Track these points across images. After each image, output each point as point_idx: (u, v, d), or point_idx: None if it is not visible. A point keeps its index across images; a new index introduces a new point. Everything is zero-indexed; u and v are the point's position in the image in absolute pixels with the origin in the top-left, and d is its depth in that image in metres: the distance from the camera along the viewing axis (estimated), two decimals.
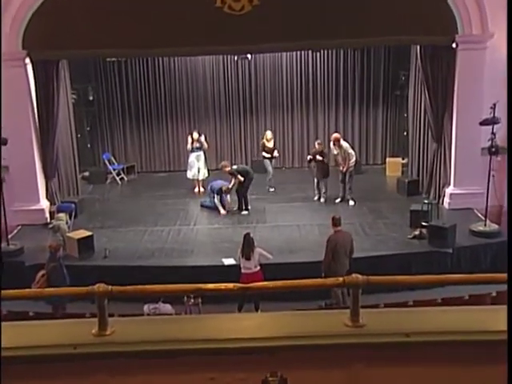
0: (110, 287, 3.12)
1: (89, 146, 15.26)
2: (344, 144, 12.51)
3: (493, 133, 10.08)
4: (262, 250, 9.09)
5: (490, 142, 10.19)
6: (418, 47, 11.85)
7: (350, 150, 12.48)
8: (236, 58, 14.37)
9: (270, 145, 13.60)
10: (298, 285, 3.36)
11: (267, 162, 13.59)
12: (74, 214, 11.77)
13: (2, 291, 3.21)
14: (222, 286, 3.23)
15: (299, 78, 15.07)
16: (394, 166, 14.51)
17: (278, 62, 15.02)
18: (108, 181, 14.84)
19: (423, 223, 10.73)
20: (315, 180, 12.77)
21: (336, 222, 8.90)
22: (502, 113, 9.96)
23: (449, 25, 10.93)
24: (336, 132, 13.68)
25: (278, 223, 11.73)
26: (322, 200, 12.70)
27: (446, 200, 12.07)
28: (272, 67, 15.08)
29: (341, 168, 12.50)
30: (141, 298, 8.03)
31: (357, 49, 14.43)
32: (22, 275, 9.26)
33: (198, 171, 13.61)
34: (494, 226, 10.68)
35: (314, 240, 10.72)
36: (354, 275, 3.13)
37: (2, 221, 10.41)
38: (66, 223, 11.15)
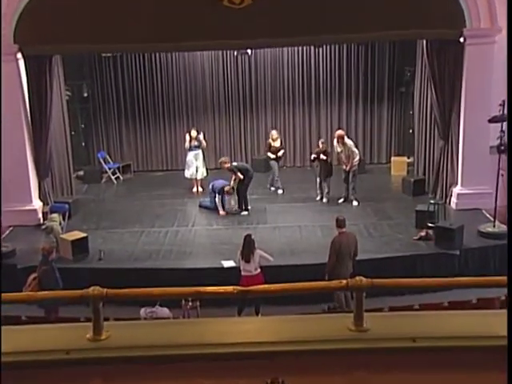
0: (105, 290, 3.11)
1: (83, 144, 15.26)
2: (348, 142, 12.51)
3: (502, 130, 10.08)
4: (262, 252, 9.09)
5: (498, 140, 10.18)
6: (424, 42, 11.84)
7: (354, 149, 12.48)
8: (236, 53, 14.36)
9: (277, 144, 13.56)
10: (300, 288, 3.36)
11: (273, 162, 13.56)
12: (67, 214, 11.77)
13: None
14: (221, 289, 3.23)
15: (301, 74, 15.07)
16: (399, 165, 14.51)
17: (279, 58, 15.02)
18: (103, 180, 14.84)
19: (429, 224, 10.73)
20: (318, 179, 12.77)
21: (340, 224, 8.89)
22: None
23: (456, 18, 10.92)
24: (339, 129, 13.68)
25: (279, 224, 11.72)
26: (325, 200, 12.70)
27: (453, 200, 12.07)
28: (273, 63, 15.08)
29: (344, 167, 12.49)
30: (137, 301, 8.01)
31: (360, 44, 14.41)
32: (14, 278, 9.25)
33: (197, 170, 13.61)
34: (503, 227, 10.65)
35: (316, 241, 10.73)
36: (357, 278, 3.13)
37: None
38: (60, 224, 11.15)
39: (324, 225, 11.25)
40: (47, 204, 12.11)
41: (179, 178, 14.26)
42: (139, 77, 15.04)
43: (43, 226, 11.24)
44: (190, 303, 8.39)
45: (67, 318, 7.52)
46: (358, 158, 12.49)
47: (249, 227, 11.40)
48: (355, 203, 12.51)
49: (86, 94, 14.90)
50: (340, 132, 12.77)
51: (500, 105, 9.86)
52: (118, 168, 15.01)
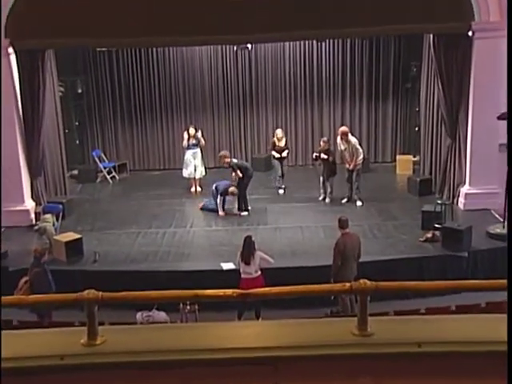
0: (100, 293, 3.11)
1: (77, 142, 15.27)
2: (352, 139, 12.51)
3: None
4: (262, 254, 9.10)
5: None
6: (431, 36, 11.84)
7: (358, 147, 12.48)
8: (235, 48, 14.37)
9: (281, 144, 13.54)
10: (302, 291, 3.35)
11: (275, 162, 13.56)
12: (61, 215, 11.78)
13: None
14: (221, 292, 3.23)
15: (303, 69, 15.08)
16: (404, 164, 14.52)
17: (281, 53, 15.03)
18: (98, 180, 14.86)
19: (436, 225, 10.73)
20: (321, 178, 12.78)
21: (343, 224, 8.90)
22: None
23: (464, 11, 10.92)
24: (343, 126, 13.67)
25: (280, 225, 11.74)
26: (328, 200, 12.70)
27: (461, 200, 12.07)
28: (274, 58, 15.09)
29: (347, 166, 12.50)
30: (133, 305, 8.04)
31: (365, 38, 14.43)
32: (5, 281, 9.25)
33: (195, 169, 13.62)
34: None
35: (318, 243, 10.74)
36: (361, 281, 3.13)
37: None
38: (53, 225, 11.15)
39: (327, 225, 11.26)
40: (40, 204, 12.11)
41: (177, 177, 14.27)
42: (135, 72, 15.04)
43: (36, 227, 11.25)
44: (188, 307, 8.40)
45: (61, 323, 7.53)
46: (362, 156, 12.49)
47: (249, 228, 11.41)
48: (359, 203, 12.51)
49: (80, 90, 14.90)
50: (344, 128, 12.77)
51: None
52: (114, 167, 15.02)
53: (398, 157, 14.96)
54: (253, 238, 9.14)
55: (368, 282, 3.11)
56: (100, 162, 14.98)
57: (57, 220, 11.53)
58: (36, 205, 12.13)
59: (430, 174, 13.25)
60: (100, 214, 12.67)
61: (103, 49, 14.28)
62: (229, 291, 3.21)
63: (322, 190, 12.83)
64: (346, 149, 12.46)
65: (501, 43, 10.98)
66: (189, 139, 13.51)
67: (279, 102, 15.34)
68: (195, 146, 13.54)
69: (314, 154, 12.87)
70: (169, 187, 14.17)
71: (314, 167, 13.49)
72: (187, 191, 13.87)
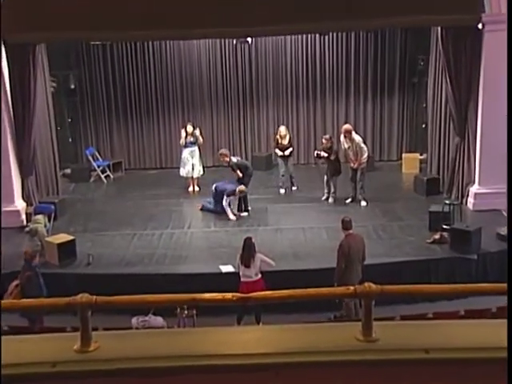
0: (93, 297, 3.11)
1: (70, 139, 15.28)
2: (356, 137, 12.52)
3: None
4: (263, 256, 9.10)
5: None
6: (439, 28, 11.84)
7: (363, 145, 12.49)
8: (235, 41, 14.38)
9: (285, 142, 13.51)
10: (304, 295, 3.35)
11: (279, 160, 13.55)
12: (53, 216, 11.78)
13: None
14: (219, 295, 3.23)
15: (305, 64, 15.09)
16: (411, 163, 14.53)
17: (282, 47, 15.04)
18: (92, 179, 14.87)
19: (444, 226, 10.74)
20: (325, 177, 12.78)
21: (347, 225, 8.90)
22: None
23: (474, 2, 10.92)
24: (347, 123, 13.68)
25: (281, 226, 11.74)
26: (331, 200, 12.71)
27: (470, 200, 12.08)
28: (275, 52, 15.10)
29: (352, 164, 12.51)
30: (128, 309, 8.03)
31: (370, 31, 14.43)
32: None
33: (193, 168, 13.63)
34: None
35: (321, 245, 10.75)
36: (366, 284, 3.13)
37: None
38: (45, 226, 11.16)
39: (330, 226, 11.26)
40: (31, 205, 12.12)
41: (174, 176, 14.28)
42: (131, 67, 15.05)
43: (27, 229, 11.25)
44: (186, 311, 8.39)
45: (52, 328, 7.53)
46: (366, 154, 12.49)
47: (249, 229, 11.41)
48: (363, 203, 12.52)
49: (72, 86, 14.91)
50: (347, 126, 12.78)
51: None
52: (108, 166, 15.03)
53: (404, 155, 14.96)
54: (253, 240, 9.15)
55: (373, 286, 3.11)
56: (94, 160, 14.98)
57: (49, 221, 11.53)
58: (27, 205, 12.13)
59: (438, 172, 13.25)
60: (94, 214, 12.67)
61: (97, 42, 14.25)
62: (228, 295, 3.21)
63: (325, 190, 12.84)
64: (349, 147, 12.47)
65: None
66: (186, 137, 13.52)
67: (280, 98, 15.35)
68: (193, 144, 13.55)
69: (316, 152, 12.89)
70: (165, 187, 14.17)
71: (317, 166, 13.49)
72: (185, 191, 13.88)
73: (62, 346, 3.12)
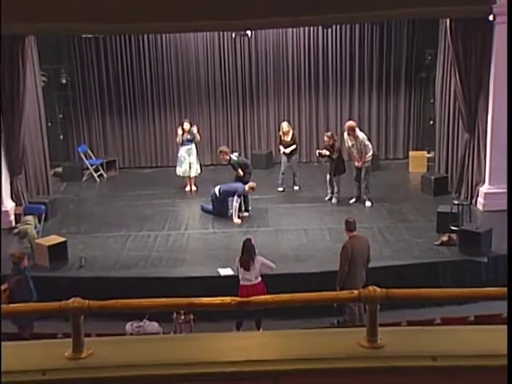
0: (86, 302, 3.11)
1: (61, 137, 15.29)
2: (360, 134, 12.52)
3: None
4: (263, 259, 9.11)
5: None
6: (448, 21, 11.83)
7: (367, 142, 12.49)
8: (234, 34, 14.37)
9: (287, 139, 13.47)
10: (306, 299, 3.36)
11: (282, 157, 13.53)
12: (44, 216, 11.79)
13: None
14: (218, 300, 3.23)
15: (307, 58, 15.09)
16: (418, 161, 14.53)
17: (283, 40, 15.04)
18: (84, 178, 14.87)
19: (453, 227, 10.75)
20: (328, 176, 12.78)
21: (350, 226, 8.90)
22: None
23: None
24: (350, 120, 13.68)
25: (282, 227, 11.75)
26: (334, 200, 12.71)
27: (480, 200, 12.08)
28: (276, 46, 15.10)
29: (356, 163, 12.51)
30: (123, 314, 8.04)
31: (375, 23, 14.43)
32: None
33: (190, 167, 13.63)
34: None
35: (324, 247, 10.76)
36: (370, 288, 3.13)
37: None
38: (35, 228, 11.16)
39: (333, 228, 11.28)
40: (20, 205, 12.11)
41: (170, 175, 14.29)
42: (125, 61, 15.05)
43: (16, 230, 11.25)
44: (183, 316, 8.41)
45: (43, 334, 7.54)
46: (371, 152, 12.50)
47: (248, 230, 11.43)
48: (368, 204, 12.52)
49: (64, 80, 14.90)
50: (350, 123, 12.78)
51: None
52: (102, 164, 15.03)
53: (410, 153, 14.97)
54: (253, 242, 9.15)
55: (378, 290, 3.11)
56: (86, 158, 14.98)
57: (39, 222, 11.54)
58: (16, 205, 12.12)
59: (446, 171, 13.25)
60: (86, 215, 12.67)
61: (89, 35, 14.25)
62: (227, 299, 3.21)
63: (328, 190, 12.83)
64: (353, 145, 12.46)
65: None
66: (183, 134, 13.52)
67: (281, 93, 15.35)
68: (190, 141, 13.55)
69: (317, 151, 12.89)
70: (161, 186, 14.18)
71: (320, 164, 13.49)
72: (181, 191, 13.88)
73: (53, 352, 3.12)
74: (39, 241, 10.64)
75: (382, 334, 3.09)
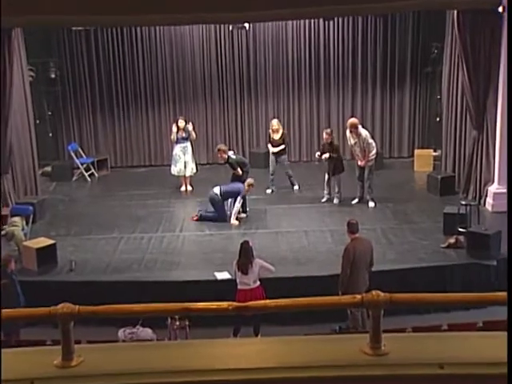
0: (76, 307, 3.11)
1: (50, 134, 15.28)
2: (363, 132, 12.52)
3: None
4: (262, 262, 9.11)
5: None
6: (455, 12, 11.84)
7: (371, 140, 12.50)
8: (231, 27, 14.37)
9: (276, 137, 13.46)
10: (306, 304, 3.36)
11: (271, 157, 13.51)
12: (32, 217, 11.77)
13: None
14: (214, 305, 3.23)
15: (308, 52, 15.10)
16: (423, 160, 14.54)
17: (283, 33, 15.05)
18: (74, 178, 14.87)
19: (460, 229, 10.75)
20: (326, 176, 12.77)
21: (353, 228, 8.91)
22: None
23: None
24: (353, 117, 13.69)
25: (281, 229, 11.75)
26: (336, 201, 12.72)
27: (489, 201, 12.09)
28: (275, 39, 15.11)
29: (358, 162, 12.52)
30: (115, 320, 8.04)
31: (378, 15, 14.44)
32: None
33: (185, 166, 13.64)
34: None
35: (325, 249, 10.76)
36: (373, 292, 3.13)
37: None
38: (22, 229, 11.15)
39: (334, 229, 11.29)
40: (7, 206, 12.11)
41: (165, 175, 14.29)
42: (117, 55, 15.05)
43: (3, 232, 11.24)
44: (178, 322, 8.40)
45: (31, 341, 7.53)
46: (374, 151, 12.50)
47: (246, 233, 11.43)
48: (371, 204, 12.53)
49: (53, 75, 14.89)
50: (353, 120, 12.78)
51: None
52: (92, 163, 15.03)
53: (416, 151, 14.98)
54: (251, 244, 9.15)
55: (381, 294, 3.11)
56: (76, 157, 14.97)
57: (27, 224, 11.52)
58: (3, 206, 12.12)
59: (453, 170, 13.26)
60: (76, 216, 12.66)
61: (79, 28, 14.25)
62: (224, 304, 3.21)
63: (325, 191, 12.80)
64: (356, 143, 12.46)
65: None
66: (178, 132, 13.52)
67: (281, 89, 15.36)
68: (185, 139, 13.55)
69: (317, 154, 12.85)
70: (155, 186, 14.18)
71: (320, 163, 13.48)
72: (176, 191, 13.88)
73: (42, 360, 3.12)
74: (27, 243, 10.63)
75: (385, 341, 3.09)
